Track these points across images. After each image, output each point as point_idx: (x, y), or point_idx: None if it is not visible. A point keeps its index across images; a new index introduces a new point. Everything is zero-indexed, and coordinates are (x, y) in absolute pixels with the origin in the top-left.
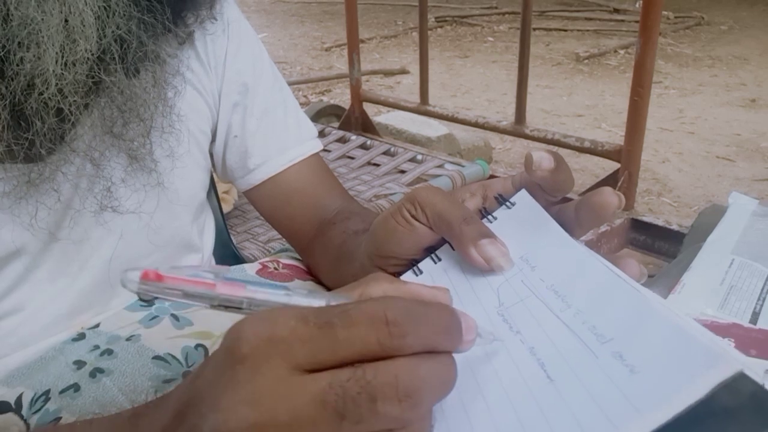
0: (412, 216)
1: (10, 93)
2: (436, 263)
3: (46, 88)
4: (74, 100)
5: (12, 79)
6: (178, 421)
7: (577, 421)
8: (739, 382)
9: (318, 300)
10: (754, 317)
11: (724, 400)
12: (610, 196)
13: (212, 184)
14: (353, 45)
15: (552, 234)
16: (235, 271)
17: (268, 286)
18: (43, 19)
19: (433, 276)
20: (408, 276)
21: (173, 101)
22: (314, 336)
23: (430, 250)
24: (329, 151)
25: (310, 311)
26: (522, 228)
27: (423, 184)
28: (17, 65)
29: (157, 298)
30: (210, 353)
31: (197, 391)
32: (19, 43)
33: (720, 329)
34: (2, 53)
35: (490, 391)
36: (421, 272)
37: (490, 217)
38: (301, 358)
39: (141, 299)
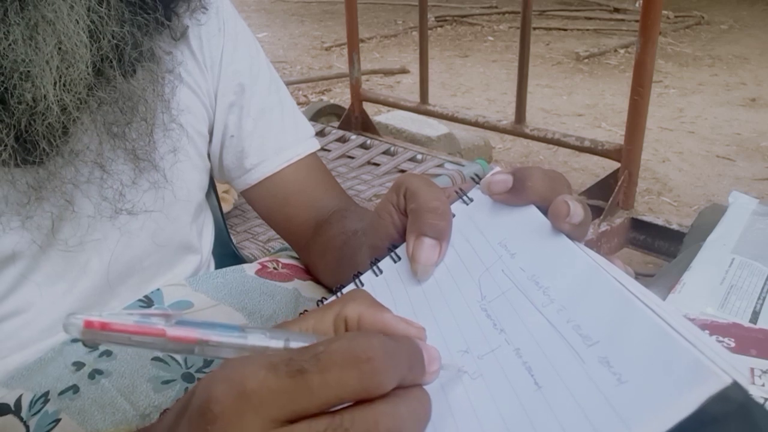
0: (393, 205)
1: (15, 121)
2: (395, 262)
3: (50, 113)
4: (77, 116)
5: (15, 109)
6: None
7: None
8: (729, 390)
9: (277, 339)
10: (755, 316)
11: (711, 410)
12: (560, 205)
13: (212, 184)
14: (353, 44)
15: (530, 218)
16: (222, 273)
17: (222, 328)
18: (36, 56)
19: (400, 273)
20: (368, 276)
21: (170, 96)
22: (286, 386)
23: None
24: (329, 150)
25: (279, 359)
26: (500, 211)
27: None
28: (18, 98)
29: (103, 344)
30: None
31: None
32: (18, 77)
33: (720, 329)
34: (1, 89)
35: (477, 398)
36: (381, 272)
37: (465, 198)
38: (275, 411)
39: (84, 345)
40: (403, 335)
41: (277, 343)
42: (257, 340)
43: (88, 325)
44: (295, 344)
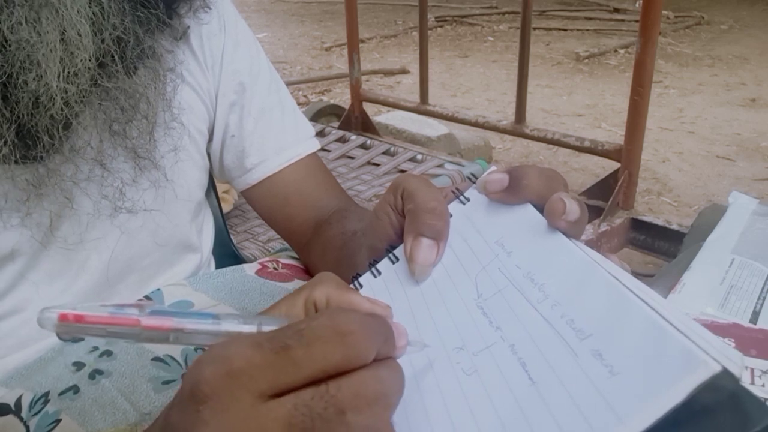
0: (391, 206)
1: (15, 116)
2: (394, 263)
3: (52, 104)
4: (80, 110)
5: (16, 102)
6: None
7: (558, 426)
8: (720, 380)
9: (250, 324)
10: (755, 317)
11: (703, 399)
12: (556, 203)
13: (212, 184)
14: (353, 45)
15: (527, 216)
16: (222, 273)
17: (196, 316)
18: (39, 40)
19: (398, 274)
20: (367, 277)
21: (171, 95)
22: (272, 361)
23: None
24: (329, 150)
25: (263, 337)
26: (497, 210)
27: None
28: (21, 87)
29: (79, 336)
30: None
31: None
32: (20, 65)
33: (720, 329)
34: (4, 78)
35: (472, 393)
36: (380, 273)
37: (462, 198)
38: (263, 386)
39: (60, 338)
40: (372, 313)
41: (250, 328)
42: (230, 326)
43: (63, 318)
44: (267, 328)
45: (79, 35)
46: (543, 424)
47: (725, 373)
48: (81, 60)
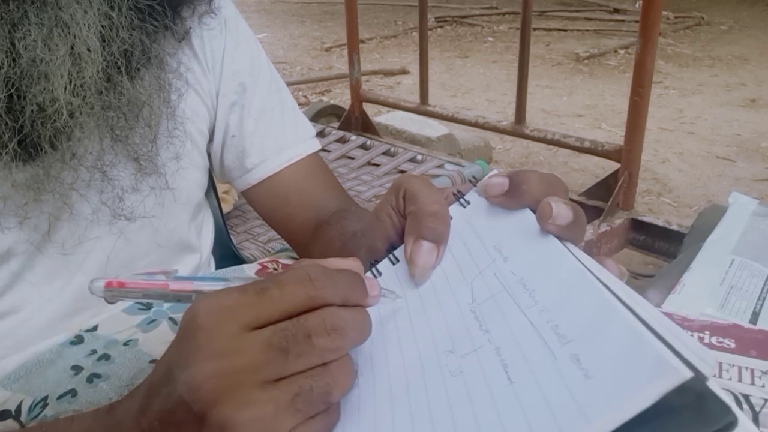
0: (392, 207)
1: (19, 125)
2: (394, 264)
3: (58, 116)
4: (84, 120)
5: (20, 114)
6: (152, 394)
7: (528, 425)
8: (689, 383)
9: None
10: (754, 317)
11: (669, 400)
12: (544, 207)
13: (212, 184)
14: (353, 45)
15: (525, 221)
16: (233, 271)
17: (211, 280)
18: (50, 56)
19: (398, 275)
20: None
21: (176, 103)
22: (254, 299)
23: None
24: (329, 151)
25: (249, 284)
26: (497, 214)
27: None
28: (28, 99)
29: (121, 299)
30: None
31: (165, 364)
32: (30, 79)
33: (720, 330)
34: (12, 90)
35: (454, 393)
36: (380, 273)
37: (463, 200)
38: (247, 318)
39: (107, 301)
40: (343, 268)
41: None
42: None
43: (108, 285)
44: None
45: (89, 50)
46: (514, 422)
47: (694, 378)
48: (89, 74)
